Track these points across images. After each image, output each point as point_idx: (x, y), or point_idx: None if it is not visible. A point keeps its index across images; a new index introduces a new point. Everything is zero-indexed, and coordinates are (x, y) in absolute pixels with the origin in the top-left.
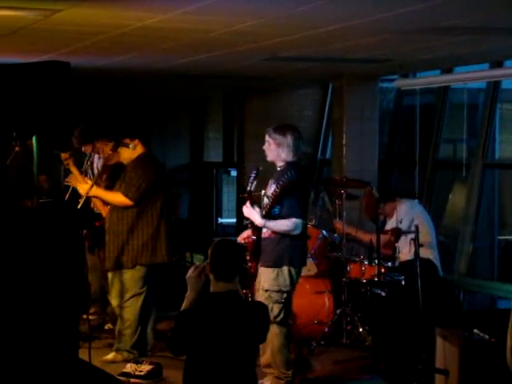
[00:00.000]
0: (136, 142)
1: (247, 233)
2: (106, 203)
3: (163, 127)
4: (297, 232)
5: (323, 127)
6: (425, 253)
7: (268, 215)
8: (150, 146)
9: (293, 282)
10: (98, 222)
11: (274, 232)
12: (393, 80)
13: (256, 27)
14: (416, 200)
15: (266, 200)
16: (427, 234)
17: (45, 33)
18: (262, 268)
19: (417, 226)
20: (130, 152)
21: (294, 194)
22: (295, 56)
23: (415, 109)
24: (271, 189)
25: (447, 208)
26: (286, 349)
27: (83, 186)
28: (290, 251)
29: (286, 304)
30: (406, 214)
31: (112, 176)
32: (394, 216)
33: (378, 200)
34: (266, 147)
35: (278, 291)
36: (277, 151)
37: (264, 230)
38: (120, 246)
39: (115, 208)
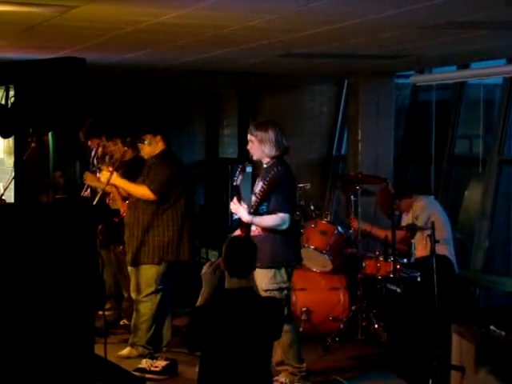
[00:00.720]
0: (158, 138)
1: (239, 231)
2: (125, 199)
3: (178, 124)
4: (284, 227)
5: (338, 123)
6: (441, 249)
7: (256, 213)
8: (169, 142)
9: (290, 278)
10: (117, 218)
11: (263, 229)
12: (408, 76)
13: (271, 23)
14: (432, 196)
15: (253, 198)
16: (443, 230)
17: (60, 29)
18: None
19: (432, 223)
20: (151, 147)
21: (280, 188)
22: (310, 52)
23: (431, 104)
24: (258, 186)
25: (463, 204)
26: (296, 344)
27: (104, 174)
28: (284, 250)
29: (288, 300)
30: (422, 210)
31: (128, 172)
32: (410, 212)
33: (393, 196)
34: (249, 147)
35: (278, 289)
36: (260, 148)
37: (253, 228)
38: (145, 242)
39: (139, 204)
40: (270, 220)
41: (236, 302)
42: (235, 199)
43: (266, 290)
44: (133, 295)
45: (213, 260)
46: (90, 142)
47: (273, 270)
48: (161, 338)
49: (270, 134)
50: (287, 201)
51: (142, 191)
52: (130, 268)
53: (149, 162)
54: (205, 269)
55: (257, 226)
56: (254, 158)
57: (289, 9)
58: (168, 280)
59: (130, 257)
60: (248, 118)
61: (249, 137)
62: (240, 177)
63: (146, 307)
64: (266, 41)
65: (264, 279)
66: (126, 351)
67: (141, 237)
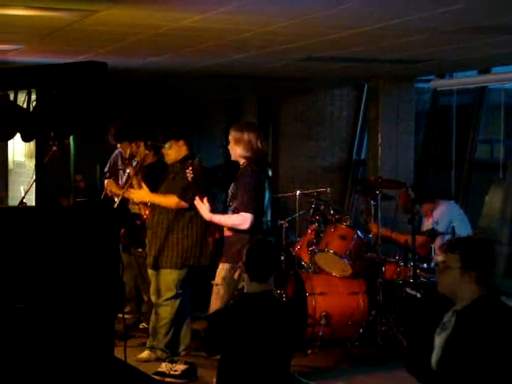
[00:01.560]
0: (181, 142)
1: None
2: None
3: (198, 127)
4: (244, 227)
5: (358, 128)
6: None
7: (225, 211)
8: (192, 146)
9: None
10: (139, 221)
11: (230, 230)
12: (429, 80)
13: (291, 27)
14: (452, 201)
15: (228, 197)
16: (464, 235)
17: (82, 33)
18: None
19: (453, 228)
20: (175, 153)
21: (245, 188)
22: (331, 56)
23: (451, 109)
24: (231, 187)
25: (483, 209)
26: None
27: (138, 193)
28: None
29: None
30: (443, 215)
31: (148, 176)
32: (431, 217)
33: (413, 201)
34: (229, 147)
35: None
36: (234, 148)
37: (225, 229)
38: (167, 246)
39: (161, 207)
40: (229, 219)
41: (256, 306)
42: (197, 197)
43: (216, 285)
44: (152, 298)
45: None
46: (119, 145)
47: (230, 267)
48: (178, 342)
49: (245, 136)
50: (251, 201)
51: (173, 202)
52: (150, 271)
53: (173, 168)
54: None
55: (217, 224)
56: (232, 158)
57: (309, 13)
58: (188, 284)
59: (151, 260)
60: (268, 123)
61: (229, 137)
62: (191, 174)
63: (166, 311)
64: (286, 45)
65: (222, 273)
66: (144, 354)
67: (163, 240)
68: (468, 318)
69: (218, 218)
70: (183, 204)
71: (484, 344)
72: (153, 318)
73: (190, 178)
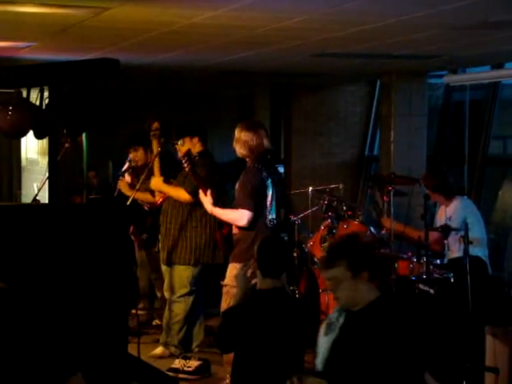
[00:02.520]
0: (195, 139)
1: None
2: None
3: (210, 124)
4: (242, 223)
5: (371, 124)
6: (474, 250)
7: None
8: (206, 143)
9: (250, 281)
10: (148, 206)
11: (237, 228)
12: (441, 76)
13: (303, 23)
14: (465, 196)
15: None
16: (477, 231)
17: (94, 31)
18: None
19: (466, 224)
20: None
21: (245, 185)
22: (343, 52)
23: (464, 104)
24: (236, 184)
25: (497, 205)
26: None
27: (156, 180)
28: (250, 248)
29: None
30: (456, 211)
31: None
32: (444, 212)
33: (425, 196)
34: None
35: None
36: (234, 147)
37: (233, 227)
38: (180, 242)
39: (176, 204)
40: (228, 214)
41: (269, 303)
42: (201, 190)
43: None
44: (166, 294)
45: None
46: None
47: (241, 266)
48: (191, 338)
49: (242, 134)
50: (248, 198)
51: (178, 193)
52: (164, 267)
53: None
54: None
55: (217, 217)
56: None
57: (321, 9)
58: (201, 281)
59: (165, 255)
60: (280, 119)
61: None
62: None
63: (180, 308)
64: (299, 41)
65: (233, 272)
66: (158, 351)
67: (177, 237)
68: (358, 320)
69: (218, 212)
70: (187, 197)
71: (372, 346)
72: (166, 314)
73: (187, 169)
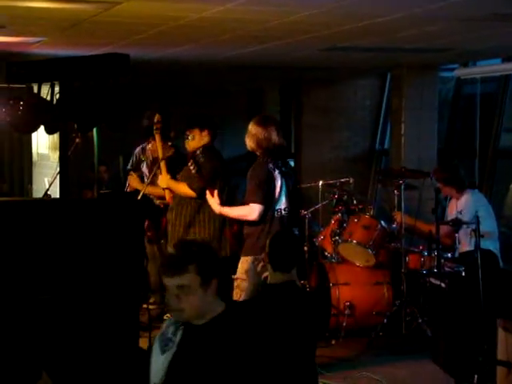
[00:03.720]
0: (205, 132)
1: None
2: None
3: (220, 118)
4: (251, 217)
5: (381, 117)
6: (485, 244)
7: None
8: (215, 137)
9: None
10: (162, 204)
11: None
12: (452, 69)
13: (314, 17)
14: (477, 190)
15: None
16: (488, 224)
17: (104, 26)
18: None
19: (477, 217)
20: (196, 141)
21: (252, 179)
22: (353, 46)
23: (475, 98)
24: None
25: (508, 198)
26: None
27: (163, 177)
28: (259, 240)
29: None
30: (467, 204)
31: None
32: (455, 206)
33: (437, 190)
34: None
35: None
36: (245, 141)
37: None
38: (187, 237)
39: (181, 200)
40: (237, 210)
41: (280, 297)
42: (207, 191)
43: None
44: None
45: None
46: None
47: (252, 259)
48: None
49: (252, 128)
50: (257, 192)
51: (185, 191)
52: None
53: (193, 155)
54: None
55: (226, 215)
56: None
57: (332, 3)
58: None
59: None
60: (290, 113)
61: None
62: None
63: None
64: (309, 35)
65: (244, 266)
66: None
67: (182, 233)
68: (199, 336)
69: (227, 210)
70: (190, 192)
71: (212, 365)
72: None
73: (193, 171)
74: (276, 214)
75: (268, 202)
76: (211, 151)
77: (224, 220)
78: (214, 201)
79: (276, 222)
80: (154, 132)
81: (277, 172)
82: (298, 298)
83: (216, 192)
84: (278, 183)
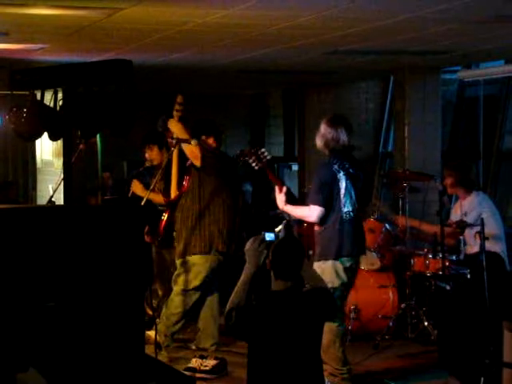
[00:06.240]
0: (211, 139)
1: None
2: (178, 186)
3: (224, 122)
4: (311, 219)
5: (385, 120)
6: (492, 246)
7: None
8: (221, 142)
9: (340, 277)
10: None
11: (316, 225)
12: (455, 71)
13: (317, 21)
14: (481, 192)
15: None
16: (494, 226)
17: (106, 32)
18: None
19: (482, 220)
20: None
21: (315, 180)
22: (357, 49)
23: (478, 100)
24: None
25: None
26: (336, 344)
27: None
28: (331, 243)
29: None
30: (472, 206)
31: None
32: (459, 208)
33: (441, 193)
34: None
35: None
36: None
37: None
38: (197, 231)
39: (191, 197)
40: (298, 210)
41: (282, 305)
42: (277, 188)
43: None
44: (172, 285)
45: (257, 236)
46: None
47: (322, 263)
48: (208, 336)
49: (322, 128)
50: (316, 193)
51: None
52: (178, 261)
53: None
54: (248, 245)
55: (289, 214)
56: None
57: (335, 6)
58: (217, 279)
59: (181, 248)
60: (294, 116)
61: None
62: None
63: (181, 301)
64: (312, 39)
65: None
66: (150, 332)
67: (193, 227)
68: None
69: (289, 209)
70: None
71: None
72: (167, 303)
73: (256, 167)
74: (345, 217)
75: (329, 204)
76: (218, 156)
77: (229, 217)
78: (280, 197)
79: (346, 225)
80: (175, 114)
81: (341, 174)
82: (300, 301)
83: (285, 188)
84: (343, 185)
